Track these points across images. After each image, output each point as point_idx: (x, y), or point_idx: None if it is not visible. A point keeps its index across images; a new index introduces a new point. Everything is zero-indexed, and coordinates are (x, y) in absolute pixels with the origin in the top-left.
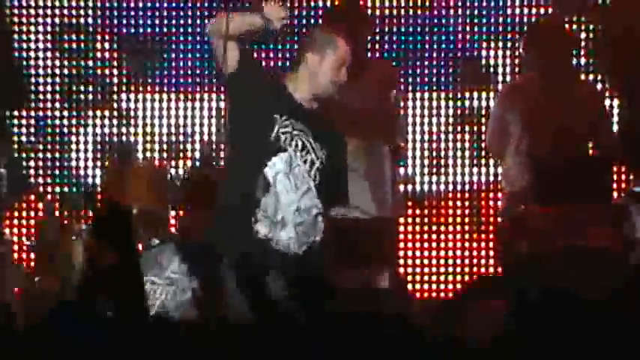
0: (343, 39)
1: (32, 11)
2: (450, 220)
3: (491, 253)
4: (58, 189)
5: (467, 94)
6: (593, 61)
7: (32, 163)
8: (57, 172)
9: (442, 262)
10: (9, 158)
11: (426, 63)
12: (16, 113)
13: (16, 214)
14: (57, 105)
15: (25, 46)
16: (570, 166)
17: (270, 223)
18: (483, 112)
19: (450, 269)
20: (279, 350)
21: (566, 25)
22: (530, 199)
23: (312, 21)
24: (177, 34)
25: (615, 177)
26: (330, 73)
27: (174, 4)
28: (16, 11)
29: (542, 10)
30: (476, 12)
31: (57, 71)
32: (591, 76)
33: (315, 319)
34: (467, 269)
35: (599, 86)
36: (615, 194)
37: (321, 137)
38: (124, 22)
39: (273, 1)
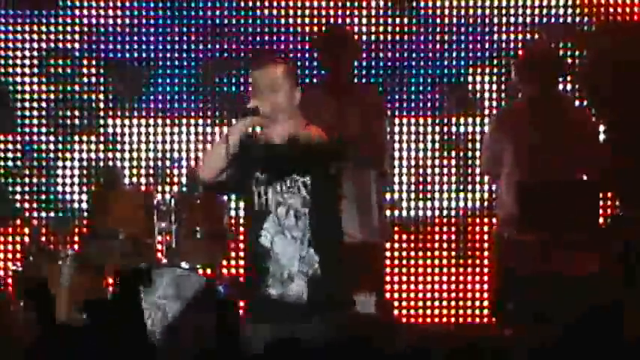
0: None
1: (18, 36)
2: (437, 245)
3: (478, 278)
4: (44, 214)
5: (453, 120)
6: (579, 86)
7: (18, 188)
8: (43, 196)
9: (428, 287)
10: None
11: (412, 88)
12: (2, 138)
13: (1, 238)
14: (43, 130)
15: (11, 70)
16: (558, 192)
17: (280, 281)
18: (470, 137)
19: (437, 294)
20: None
21: (556, 52)
22: (521, 224)
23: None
24: (163, 59)
25: (602, 202)
26: (287, 101)
27: (160, 30)
28: (2, 36)
29: (528, 36)
30: (462, 38)
31: (43, 96)
32: (577, 102)
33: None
34: (453, 294)
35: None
36: (602, 220)
37: (302, 162)
38: (110, 47)
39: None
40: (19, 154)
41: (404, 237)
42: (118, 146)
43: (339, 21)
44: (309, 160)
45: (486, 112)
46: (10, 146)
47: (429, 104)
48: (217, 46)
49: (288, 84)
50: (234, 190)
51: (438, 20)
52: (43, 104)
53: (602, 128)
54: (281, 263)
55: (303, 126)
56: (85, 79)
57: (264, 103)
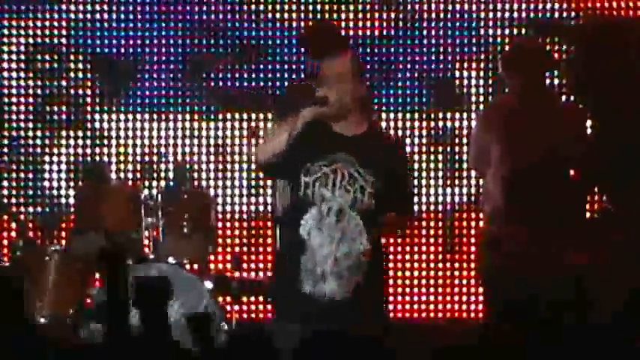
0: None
1: (5, 31)
2: (424, 240)
3: (465, 273)
4: (31, 209)
5: (440, 115)
6: (566, 81)
7: (5, 184)
8: (30, 192)
9: (415, 282)
10: None
11: (400, 84)
12: None
13: None
14: (30, 125)
15: None
16: (545, 187)
17: (313, 279)
18: (457, 132)
19: (424, 289)
20: None
21: (544, 46)
22: (507, 219)
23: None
24: (151, 55)
25: (589, 197)
26: (351, 93)
27: (147, 25)
28: None
29: (515, 31)
30: (449, 33)
31: (30, 91)
32: (564, 97)
33: None
34: (440, 289)
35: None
36: (589, 214)
37: (367, 161)
38: (98, 42)
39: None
40: (5, 150)
41: None
42: (105, 141)
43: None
44: (376, 159)
45: (473, 107)
46: None
47: (416, 99)
48: (204, 42)
49: (356, 77)
50: (284, 176)
51: (425, 15)
52: (31, 100)
53: (589, 123)
54: (316, 259)
55: (370, 122)
56: (72, 75)
57: (332, 93)
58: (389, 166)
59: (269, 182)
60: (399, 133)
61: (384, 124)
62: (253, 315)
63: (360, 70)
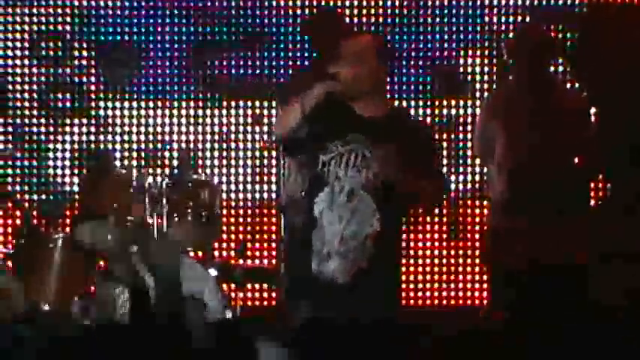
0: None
1: (9, 19)
2: (428, 228)
3: (469, 260)
4: (35, 196)
5: (444, 103)
6: (570, 69)
7: (9, 171)
8: (34, 179)
9: (420, 269)
10: None
11: (403, 71)
12: None
13: None
14: (34, 112)
15: (2, 53)
16: (549, 174)
17: (319, 257)
18: (461, 120)
19: (428, 277)
20: None
21: (548, 34)
22: (512, 208)
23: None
24: (155, 42)
25: (593, 186)
26: (370, 74)
27: (151, 12)
28: None
29: (519, 19)
30: (454, 20)
31: (34, 79)
32: (569, 85)
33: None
34: (444, 276)
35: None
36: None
37: (379, 141)
38: (102, 30)
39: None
40: (9, 137)
41: None
42: (109, 129)
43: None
44: (392, 141)
45: (477, 95)
46: (1, 128)
47: (420, 87)
48: (209, 30)
49: (375, 59)
50: (301, 152)
51: (430, 3)
52: (34, 87)
53: (592, 110)
54: (325, 238)
55: (387, 106)
56: (77, 62)
57: (346, 71)
58: (407, 150)
59: (273, 170)
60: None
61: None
62: (257, 302)
63: (382, 54)
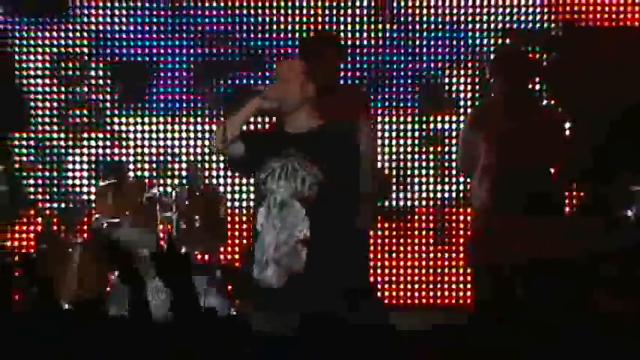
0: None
1: (32, 42)
2: (416, 233)
3: (454, 262)
4: (55, 205)
5: (431, 117)
6: (546, 86)
7: (32, 181)
8: (55, 189)
9: (408, 272)
10: (11, 176)
11: (394, 88)
12: (17, 135)
13: (17, 227)
14: (54, 128)
15: (25, 74)
16: (527, 182)
17: (260, 266)
18: (446, 133)
19: (416, 277)
20: None
21: (528, 53)
22: (493, 213)
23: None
24: (165, 62)
25: (567, 192)
26: (298, 93)
27: (162, 34)
28: (17, 42)
29: (500, 40)
30: (440, 42)
31: (55, 97)
32: (545, 101)
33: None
34: (431, 277)
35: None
36: (567, 208)
37: (311, 154)
38: (117, 51)
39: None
40: (32, 150)
41: (386, 225)
42: (123, 143)
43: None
44: (314, 153)
45: (462, 110)
46: (24, 143)
47: (409, 103)
48: (215, 50)
49: (302, 77)
50: (247, 174)
51: (417, 26)
52: (55, 104)
53: (567, 124)
54: (264, 248)
55: (318, 121)
56: (93, 81)
57: (274, 89)
58: (334, 160)
59: None
60: (393, 133)
61: (379, 126)
62: None
63: (311, 76)
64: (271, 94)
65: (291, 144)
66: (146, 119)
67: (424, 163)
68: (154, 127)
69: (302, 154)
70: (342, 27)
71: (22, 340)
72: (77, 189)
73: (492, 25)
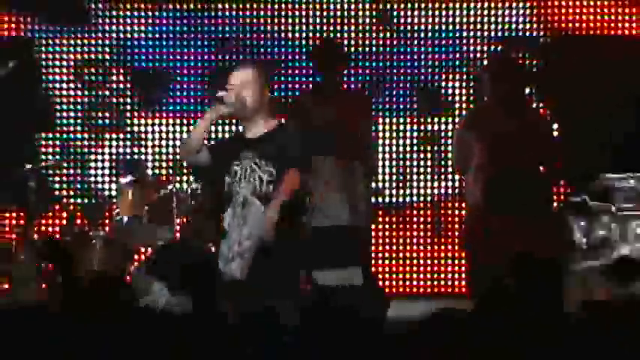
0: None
1: (57, 48)
2: (415, 226)
3: (450, 254)
4: (79, 200)
5: (429, 119)
6: (536, 90)
7: (57, 179)
8: (78, 185)
9: (407, 262)
10: (38, 174)
11: (394, 92)
12: (43, 136)
13: (43, 221)
14: (78, 129)
15: (51, 78)
16: (518, 181)
17: (225, 260)
18: (443, 134)
19: (415, 269)
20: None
21: (518, 60)
22: (487, 209)
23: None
24: (181, 67)
25: (555, 190)
26: (254, 100)
27: (178, 43)
28: (43, 49)
29: (493, 47)
30: (436, 48)
31: (78, 100)
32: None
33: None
34: (429, 270)
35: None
36: (555, 204)
37: (264, 155)
38: (136, 57)
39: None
40: (57, 150)
41: (387, 219)
42: (142, 142)
43: (331, 33)
44: (271, 153)
45: (457, 112)
46: (50, 143)
47: (408, 106)
48: (227, 56)
49: (256, 84)
50: (210, 177)
51: (416, 35)
52: (79, 107)
53: (555, 126)
54: (229, 244)
55: (273, 123)
56: (114, 86)
57: (231, 95)
58: (282, 157)
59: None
60: (393, 134)
61: (380, 127)
62: None
63: (264, 82)
64: (230, 100)
65: (248, 147)
66: (163, 120)
67: (422, 162)
68: (170, 128)
69: (258, 156)
70: (345, 34)
71: (26, 338)
72: (99, 185)
73: (485, 34)
